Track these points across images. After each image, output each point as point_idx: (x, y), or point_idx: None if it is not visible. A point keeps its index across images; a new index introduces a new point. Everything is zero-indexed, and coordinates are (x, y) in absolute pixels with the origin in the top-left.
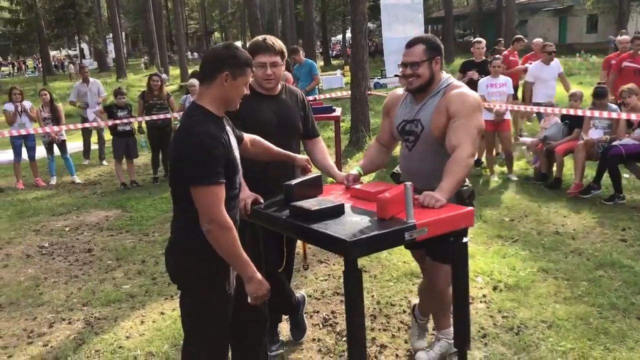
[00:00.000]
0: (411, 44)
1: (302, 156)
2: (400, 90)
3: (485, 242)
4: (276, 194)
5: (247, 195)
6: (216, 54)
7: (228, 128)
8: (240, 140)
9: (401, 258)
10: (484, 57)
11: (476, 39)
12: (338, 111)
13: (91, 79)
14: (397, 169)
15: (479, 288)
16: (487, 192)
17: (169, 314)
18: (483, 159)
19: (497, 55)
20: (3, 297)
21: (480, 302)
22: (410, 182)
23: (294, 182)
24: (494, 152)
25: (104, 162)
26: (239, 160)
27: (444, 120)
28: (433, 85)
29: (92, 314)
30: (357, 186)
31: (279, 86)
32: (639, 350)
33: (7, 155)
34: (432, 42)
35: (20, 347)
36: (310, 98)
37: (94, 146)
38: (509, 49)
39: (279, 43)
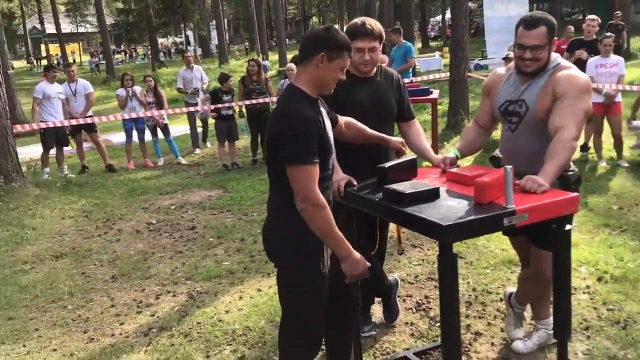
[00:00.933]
0: (532, 24)
1: (397, 138)
2: (501, 70)
3: (590, 230)
4: (370, 177)
5: (340, 177)
6: (315, 35)
7: (322, 109)
8: (334, 122)
9: (499, 245)
10: (594, 36)
11: (589, 16)
12: (435, 93)
13: (195, 66)
14: (497, 152)
15: (583, 279)
16: (594, 179)
17: (266, 291)
18: (590, 143)
19: (608, 33)
20: (116, 269)
21: (584, 293)
22: (510, 166)
23: (387, 164)
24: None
25: (208, 144)
26: (332, 142)
27: (549, 102)
28: (546, 67)
29: (195, 288)
30: (454, 170)
31: (375, 68)
32: None
33: (120, 137)
34: (552, 24)
35: (130, 316)
36: (406, 81)
37: (199, 129)
38: None
39: (378, 27)
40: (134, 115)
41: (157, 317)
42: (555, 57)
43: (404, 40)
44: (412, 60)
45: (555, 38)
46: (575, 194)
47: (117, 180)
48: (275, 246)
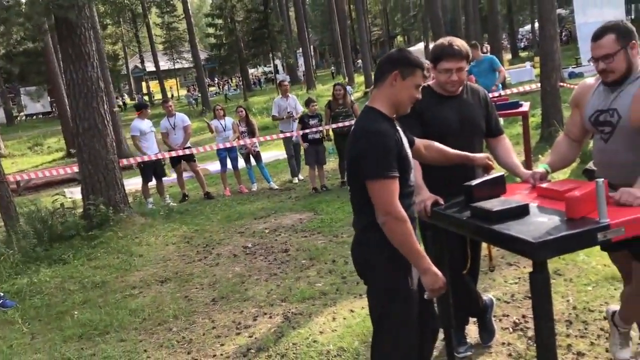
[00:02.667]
0: (598, 35)
1: (482, 155)
2: (591, 80)
3: None
4: (458, 196)
5: (427, 196)
6: (388, 57)
7: (399, 128)
8: (411, 143)
9: (601, 261)
10: None
11: None
12: (525, 106)
13: (290, 95)
14: (591, 164)
15: None
16: None
17: (358, 312)
18: None
19: None
20: (216, 292)
21: None
22: (602, 179)
23: (474, 182)
24: None
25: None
26: (411, 158)
27: None
28: (631, 73)
29: (290, 310)
30: (544, 185)
31: (461, 87)
32: None
33: (216, 165)
34: (622, 29)
35: (230, 337)
36: (495, 94)
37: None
38: None
39: (465, 47)
40: (228, 145)
41: (255, 338)
42: None
43: (482, 54)
44: (503, 70)
45: (635, 42)
46: None
47: (214, 206)
48: (365, 265)
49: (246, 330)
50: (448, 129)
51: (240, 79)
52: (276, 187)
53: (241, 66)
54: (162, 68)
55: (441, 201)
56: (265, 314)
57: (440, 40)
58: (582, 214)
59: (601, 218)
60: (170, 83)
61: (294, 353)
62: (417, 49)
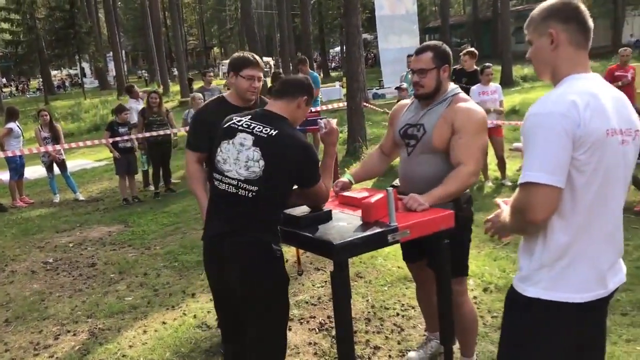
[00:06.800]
0: (420, 51)
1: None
2: (407, 101)
3: (477, 245)
4: None
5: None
6: (301, 82)
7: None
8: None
9: (395, 264)
10: (474, 67)
11: (467, 50)
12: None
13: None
14: (397, 181)
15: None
16: (480, 197)
17: (171, 324)
18: None
19: (487, 64)
20: (10, 312)
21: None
22: (391, 188)
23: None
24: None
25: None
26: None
27: (447, 132)
28: (439, 93)
29: (96, 326)
30: (346, 193)
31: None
32: (622, 344)
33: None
34: (440, 50)
35: (27, 359)
36: (313, 109)
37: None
38: None
39: (261, 62)
40: (18, 153)
41: (57, 357)
42: (454, 87)
43: (310, 70)
44: (318, 90)
45: (447, 66)
46: (450, 210)
47: (8, 219)
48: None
49: (46, 350)
50: None
51: (42, 80)
52: (82, 198)
53: (42, 67)
54: None
55: None
56: (69, 331)
57: (239, 53)
58: (375, 218)
59: (391, 222)
60: None
61: None
62: None
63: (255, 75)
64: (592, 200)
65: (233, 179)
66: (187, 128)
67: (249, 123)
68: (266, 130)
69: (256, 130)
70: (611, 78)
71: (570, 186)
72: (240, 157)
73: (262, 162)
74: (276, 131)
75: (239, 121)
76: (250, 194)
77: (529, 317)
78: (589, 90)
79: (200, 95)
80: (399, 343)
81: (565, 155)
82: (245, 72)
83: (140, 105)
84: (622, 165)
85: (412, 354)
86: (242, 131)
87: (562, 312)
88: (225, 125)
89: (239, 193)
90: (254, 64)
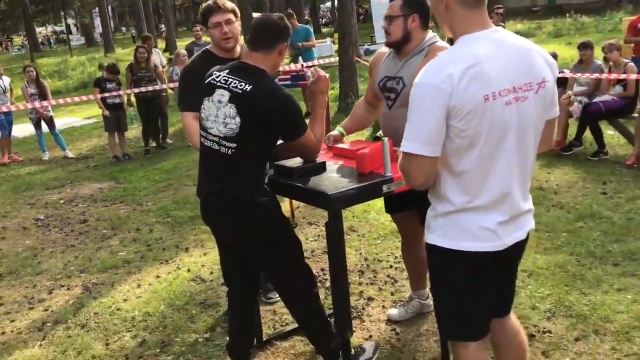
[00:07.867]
0: None
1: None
2: (386, 48)
3: None
4: None
5: None
6: (277, 25)
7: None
8: None
9: (388, 217)
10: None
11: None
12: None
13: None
14: (380, 133)
15: None
16: None
17: (165, 277)
18: None
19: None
20: (2, 267)
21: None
22: (387, 137)
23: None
24: None
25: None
26: None
27: None
28: (412, 44)
29: (90, 280)
30: (339, 145)
31: (238, 48)
32: (613, 293)
33: None
34: None
35: (22, 312)
36: (310, 63)
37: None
38: None
39: (230, 4)
40: (4, 109)
41: (52, 311)
42: (432, 36)
43: (299, 24)
44: (312, 40)
45: (415, 15)
46: None
47: None
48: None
49: (40, 304)
50: None
51: (26, 37)
52: (72, 155)
53: (26, 23)
54: None
55: None
56: (63, 286)
57: (205, 3)
58: (370, 169)
59: (386, 172)
60: None
61: (95, 322)
62: None
63: (220, 20)
64: (476, 160)
65: (215, 135)
66: (173, 85)
67: (227, 78)
68: (241, 85)
69: (232, 86)
70: (635, 31)
71: (454, 149)
72: (219, 114)
73: (238, 119)
74: (251, 86)
75: (217, 76)
76: (229, 151)
77: (434, 260)
78: (474, 54)
79: (184, 52)
80: (392, 294)
81: (437, 125)
82: (211, 20)
83: (158, 55)
84: (514, 123)
85: (392, 310)
86: (219, 87)
87: (458, 259)
88: (206, 82)
89: (221, 150)
90: (215, 9)
